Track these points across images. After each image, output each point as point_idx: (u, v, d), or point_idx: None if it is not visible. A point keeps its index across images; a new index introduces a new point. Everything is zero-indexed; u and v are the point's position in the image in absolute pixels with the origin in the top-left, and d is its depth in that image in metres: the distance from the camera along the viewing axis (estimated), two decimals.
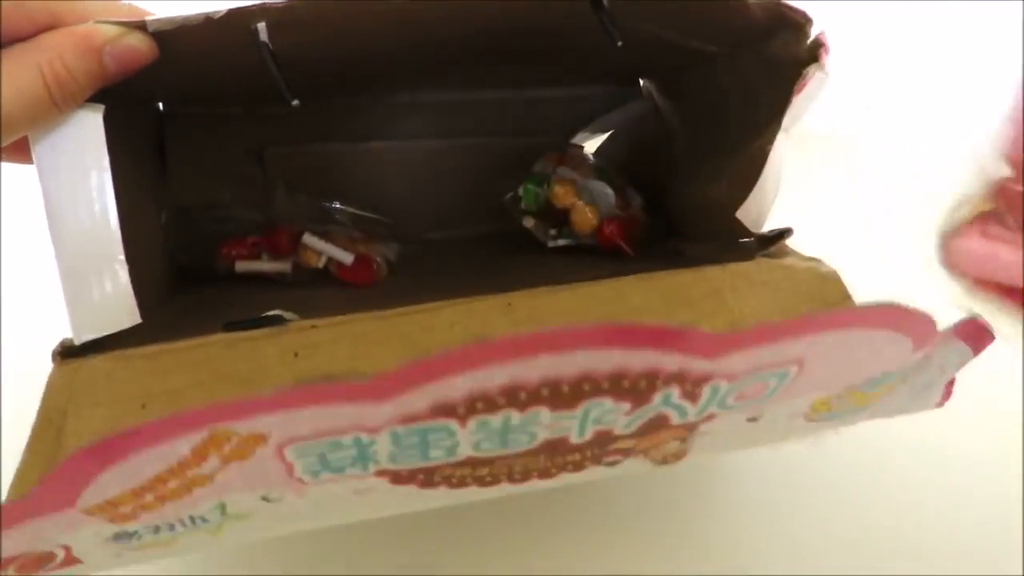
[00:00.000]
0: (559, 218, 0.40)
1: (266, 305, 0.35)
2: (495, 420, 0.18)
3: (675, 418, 0.21)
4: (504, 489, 0.22)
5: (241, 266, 0.38)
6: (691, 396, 0.20)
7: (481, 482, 0.21)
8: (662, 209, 0.42)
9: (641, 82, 0.44)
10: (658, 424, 0.21)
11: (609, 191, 0.39)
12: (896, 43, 0.61)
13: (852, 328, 0.19)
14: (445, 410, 0.17)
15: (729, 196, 0.33)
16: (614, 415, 0.20)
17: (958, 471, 0.36)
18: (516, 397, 0.18)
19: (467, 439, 0.19)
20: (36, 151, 0.23)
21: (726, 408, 0.21)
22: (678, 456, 0.24)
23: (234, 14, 0.24)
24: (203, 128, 0.39)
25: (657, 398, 0.19)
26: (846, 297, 0.28)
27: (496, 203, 0.43)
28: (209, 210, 0.39)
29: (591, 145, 0.45)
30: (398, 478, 0.20)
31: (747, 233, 0.31)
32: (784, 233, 0.29)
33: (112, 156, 0.23)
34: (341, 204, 0.42)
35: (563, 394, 0.18)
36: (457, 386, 0.17)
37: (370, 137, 0.42)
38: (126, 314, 0.25)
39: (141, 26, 0.23)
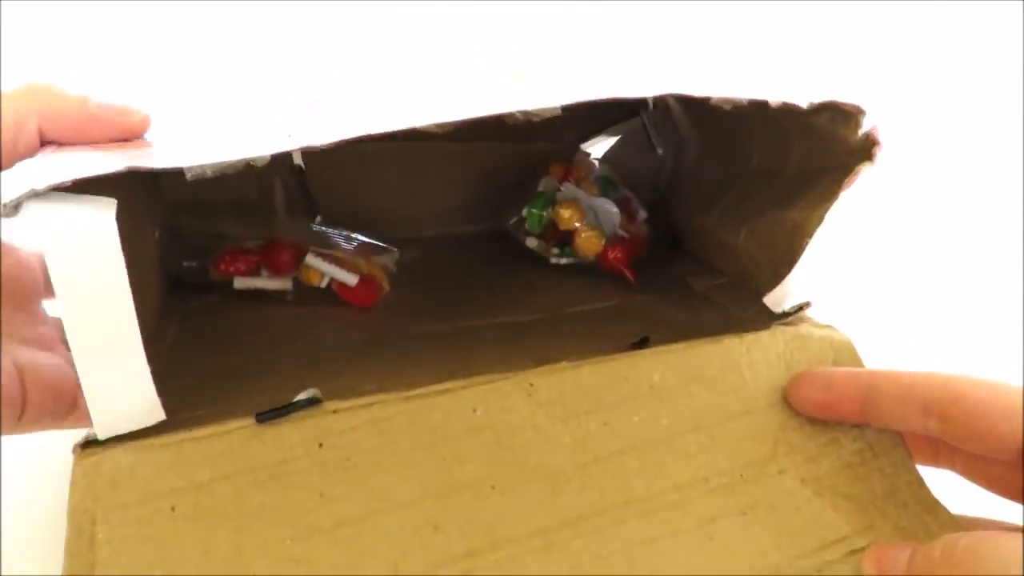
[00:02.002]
0: (562, 237, 0.39)
1: (268, 333, 0.34)
2: None
3: None
4: None
5: (240, 283, 0.37)
6: None
7: None
8: (665, 214, 0.42)
9: None
10: None
11: (614, 210, 0.38)
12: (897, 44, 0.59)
13: None
14: None
15: (745, 247, 0.33)
16: None
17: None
18: None
19: None
20: (48, 258, 0.21)
21: None
22: None
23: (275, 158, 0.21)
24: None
25: None
26: (858, 364, 0.29)
27: (495, 202, 0.42)
28: (202, 220, 0.37)
29: (598, 149, 0.43)
30: None
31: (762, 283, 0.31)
32: (803, 306, 0.29)
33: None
34: (335, 205, 0.41)
35: None
36: None
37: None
38: (150, 413, 0.24)
39: None
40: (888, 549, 0.24)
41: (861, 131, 0.25)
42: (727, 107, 0.23)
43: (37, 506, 0.30)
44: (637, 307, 0.36)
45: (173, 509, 0.23)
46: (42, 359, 0.26)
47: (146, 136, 0.25)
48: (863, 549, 0.24)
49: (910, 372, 0.24)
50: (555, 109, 0.22)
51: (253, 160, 0.21)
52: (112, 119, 0.24)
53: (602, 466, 0.26)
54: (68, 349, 0.24)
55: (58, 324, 0.28)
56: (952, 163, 0.50)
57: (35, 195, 0.19)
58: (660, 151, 0.26)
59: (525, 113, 0.22)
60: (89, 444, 0.24)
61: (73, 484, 0.24)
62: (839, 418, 0.27)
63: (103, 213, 0.21)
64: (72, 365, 0.25)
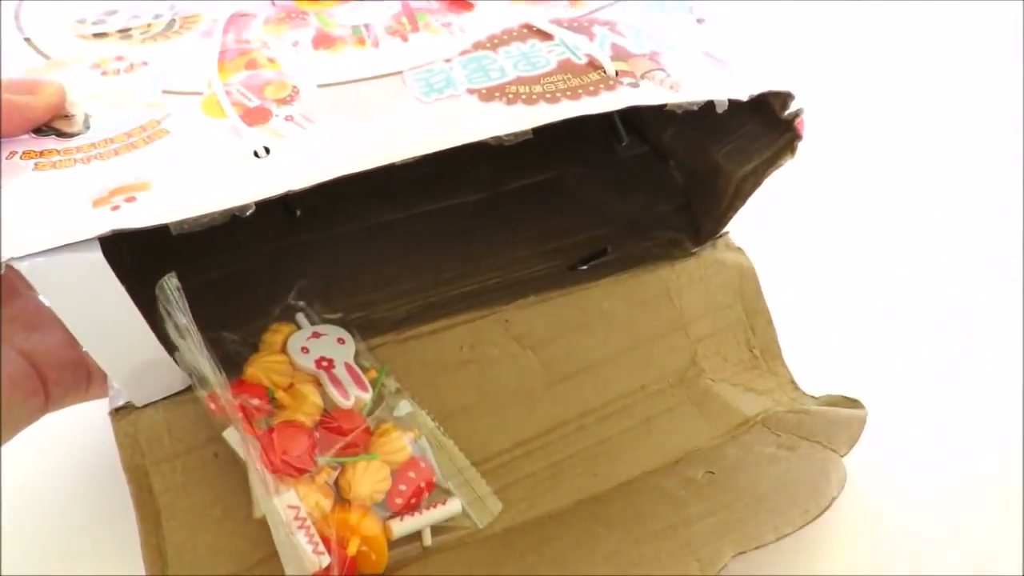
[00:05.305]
0: None
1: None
2: None
3: None
4: None
5: None
6: None
7: None
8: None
9: None
10: None
11: None
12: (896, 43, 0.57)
13: None
14: None
15: (685, 187, 0.37)
16: None
17: (957, 470, 0.33)
18: None
19: None
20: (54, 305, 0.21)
21: None
22: None
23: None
24: None
25: None
26: (758, 294, 0.36)
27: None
28: None
29: None
30: None
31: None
32: (722, 234, 0.35)
33: None
34: None
35: None
36: None
37: None
38: (175, 383, 0.27)
39: None
40: None
41: (788, 112, 0.28)
42: (679, 111, 0.26)
43: (37, 506, 0.31)
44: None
45: (216, 455, 0.27)
46: (42, 339, 0.27)
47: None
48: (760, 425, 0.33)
49: None
50: (526, 133, 0.23)
51: (239, 210, 0.21)
52: (28, 103, 0.22)
53: (565, 384, 0.32)
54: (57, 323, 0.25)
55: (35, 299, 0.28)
56: (952, 161, 0.50)
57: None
58: (624, 141, 0.28)
59: (497, 138, 0.23)
60: (122, 409, 0.27)
61: (119, 444, 0.27)
62: None
63: (92, 254, 0.20)
64: (70, 339, 0.26)
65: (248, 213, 0.21)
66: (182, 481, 0.27)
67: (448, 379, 0.31)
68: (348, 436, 0.24)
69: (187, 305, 0.23)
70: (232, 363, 0.26)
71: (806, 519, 0.26)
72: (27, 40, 0.27)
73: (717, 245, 0.36)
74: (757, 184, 0.31)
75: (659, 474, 0.31)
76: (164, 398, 0.27)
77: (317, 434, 0.24)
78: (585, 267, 0.35)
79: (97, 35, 0.27)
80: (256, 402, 0.24)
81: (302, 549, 0.21)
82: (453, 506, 0.27)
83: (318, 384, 0.26)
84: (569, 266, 0.35)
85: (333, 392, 0.25)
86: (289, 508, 0.22)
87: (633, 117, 0.40)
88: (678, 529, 0.26)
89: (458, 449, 0.29)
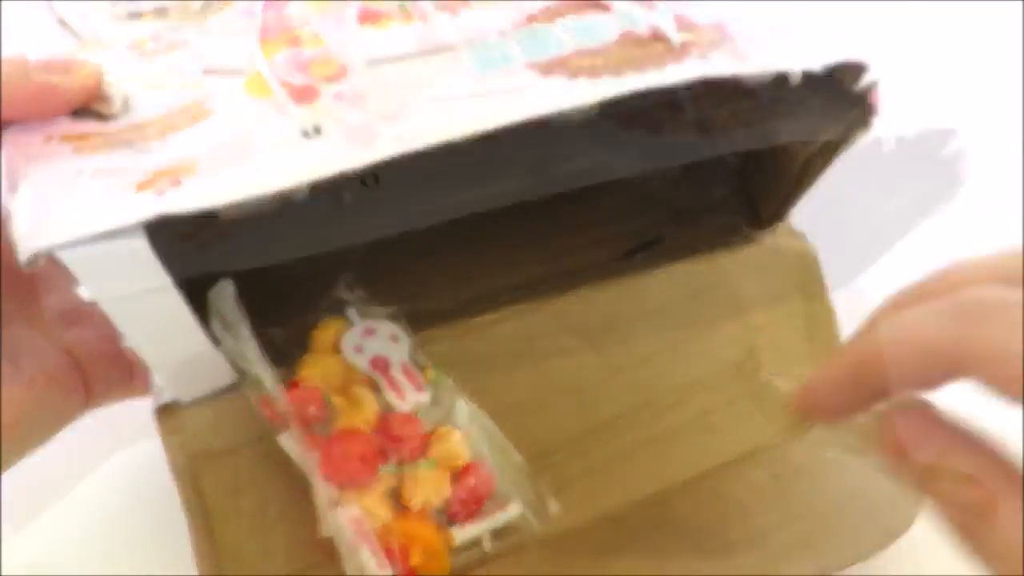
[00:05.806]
0: None
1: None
2: None
3: None
4: None
5: None
6: None
7: None
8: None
9: None
10: None
11: None
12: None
13: None
14: None
15: (740, 169, 0.35)
16: None
17: None
18: None
19: None
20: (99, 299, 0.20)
21: None
22: None
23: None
24: None
25: None
26: (818, 281, 0.34)
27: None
28: None
29: None
30: None
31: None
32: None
33: None
34: None
35: None
36: None
37: None
38: (222, 378, 0.25)
39: None
40: None
41: (861, 84, 0.26)
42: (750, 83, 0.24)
43: (38, 505, 0.31)
44: None
45: (266, 455, 0.26)
46: (81, 333, 0.26)
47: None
48: None
49: None
50: (593, 107, 0.22)
51: (291, 193, 0.19)
52: (63, 84, 0.21)
53: (621, 377, 0.31)
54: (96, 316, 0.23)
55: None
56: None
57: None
58: None
59: (562, 112, 0.22)
60: (167, 406, 0.25)
61: (165, 444, 0.25)
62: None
63: (136, 241, 0.19)
64: (111, 332, 0.25)
65: (300, 197, 0.20)
66: (231, 482, 0.26)
67: (501, 374, 0.29)
68: (407, 443, 0.22)
69: (245, 313, 0.22)
70: (281, 360, 0.25)
71: (889, 540, 0.25)
72: (61, 21, 0.25)
73: (777, 230, 0.34)
74: (827, 163, 0.29)
75: (721, 475, 0.29)
76: (209, 395, 0.26)
77: (376, 441, 0.22)
78: (640, 255, 0.33)
79: (132, 15, 0.26)
80: (313, 409, 0.22)
81: (366, 563, 0.20)
82: (513, 510, 0.26)
83: (373, 385, 0.24)
84: (624, 254, 0.33)
85: (391, 396, 0.24)
86: (352, 521, 0.20)
87: None
88: (753, 543, 0.24)
89: (514, 448, 0.28)
